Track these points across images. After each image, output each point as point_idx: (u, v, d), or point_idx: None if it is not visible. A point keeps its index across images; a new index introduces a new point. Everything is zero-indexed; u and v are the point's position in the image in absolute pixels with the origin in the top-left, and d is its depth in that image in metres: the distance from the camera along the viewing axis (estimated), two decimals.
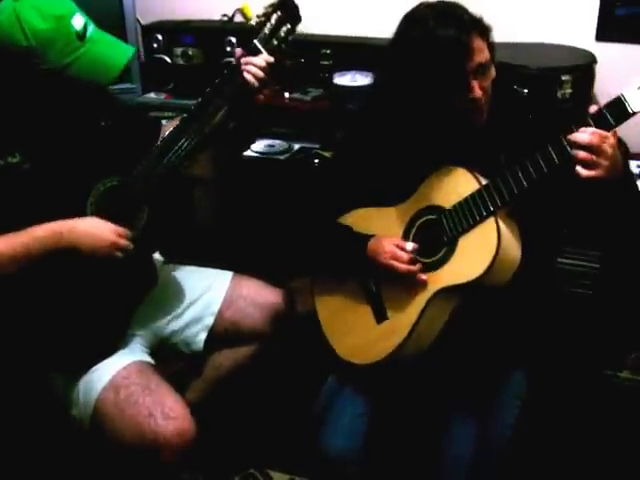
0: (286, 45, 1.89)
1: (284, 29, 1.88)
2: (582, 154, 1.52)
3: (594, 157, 1.51)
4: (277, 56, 1.87)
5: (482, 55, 1.64)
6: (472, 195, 1.68)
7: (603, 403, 2.35)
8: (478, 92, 1.65)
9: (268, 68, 1.85)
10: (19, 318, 1.78)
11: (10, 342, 1.80)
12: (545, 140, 1.59)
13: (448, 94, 1.65)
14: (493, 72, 1.70)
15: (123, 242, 1.77)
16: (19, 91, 1.75)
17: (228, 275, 2.17)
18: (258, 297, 2.13)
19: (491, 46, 1.69)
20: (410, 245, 1.77)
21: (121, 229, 1.77)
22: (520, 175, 1.61)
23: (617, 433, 2.31)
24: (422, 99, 1.68)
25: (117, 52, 1.80)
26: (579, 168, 1.52)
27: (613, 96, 1.55)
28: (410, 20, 1.72)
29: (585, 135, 1.52)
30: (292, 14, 1.88)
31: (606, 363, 2.42)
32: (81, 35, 1.73)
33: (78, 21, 1.73)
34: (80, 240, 1.72)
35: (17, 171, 1.73)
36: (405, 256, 1.75)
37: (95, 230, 1.74)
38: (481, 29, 1.66)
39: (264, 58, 1.84)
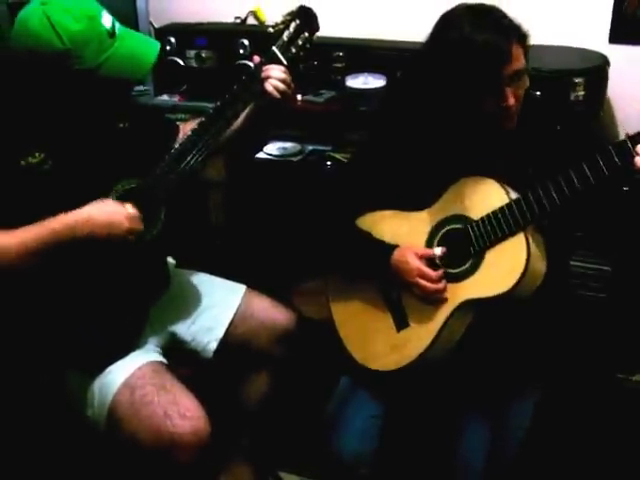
0: (304, 53, 1.89)
1: (302, 37, 1.88)
2: None
3: None
4: (294, 64, 1.88)
5: (519, 62, 1.61)
6: (502, 208, 1.65)
7: (615, 406, 2.35)
8: (511, 100, 1.62)
9: (289, 79, 1.86)
10: (37, 315, 1.79)
11: (26, 339, 1.81)
12: (576, 156, 1.57)
13: (481, 100, 1.62)
14: (527, 81, 1.67)
15: (136, 225, 1.76)
16: (44, 93, 1.76)
17: (241, 289, 2.18)
18: (269, 318, 2.13)
19: (527, 54, 1.65)
20: (439, 250, 1.76)
21: (133, 212, 1.76)
22: (553, 192, 1.59)
23: (629, 436, 2.31)
24: (454, 103, 1.65)
25: (146, 47, 1.81)
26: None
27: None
28: (447, 21, 1.68)
29: None
30: (310, 23, 1.89)
31: (618, 366, 2.41)
32: (111, 33, 1.73)
33: (107, 19, 1.74)
34: (95, 230, 1.71)
35: (37, 171, 1.74)
36: (433, 275, 1.73)
37: (109, 219, 1.72)
38: (520, 35, 1.63)
39: (284, 71, 1.85)
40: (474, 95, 1.62)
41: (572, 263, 2.33)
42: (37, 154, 1.74)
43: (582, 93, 2.40)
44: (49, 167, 1.75)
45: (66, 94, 1.75)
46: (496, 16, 1.63)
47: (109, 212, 1.74)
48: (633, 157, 1.49)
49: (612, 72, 2.49)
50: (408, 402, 1.93)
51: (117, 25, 1.77)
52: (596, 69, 2.46)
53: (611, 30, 2.65)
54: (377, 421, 1.88)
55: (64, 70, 1.69)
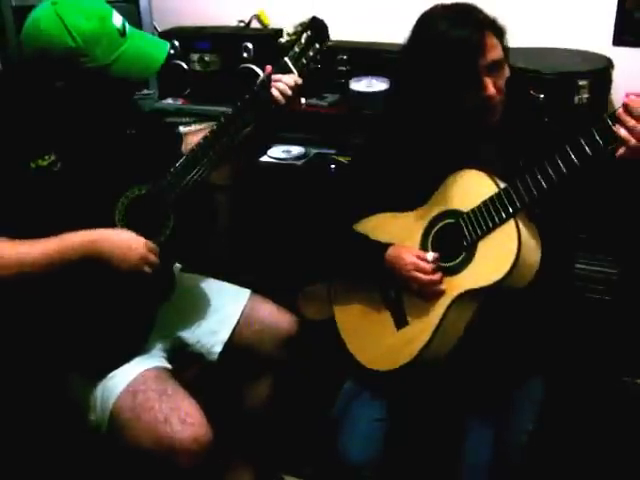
0: (315, 64, 1.91)
1: (313, 49, 1.90)
2: (629, 120, 1.48)
3: (636, 124, 1.48)
4: (305, 75, 1.90)
5: (495, 52, 1.65)
6: (491, 198, 1.67)
7: (620, 409, 2.34)
8: (492, 89, 1.64)
9: (297, 88, 1.88)
10: (43, 320, 1.79)
11: (32, 343, 1.82)
12: (563, 143, 1.58)
13: (462, 93, 1.65)
14: (507, 71, 1.70)
15: (153, 258, 1.78)
16: (55, 93, 1.77)
17: (245, 293, 2.19)
18: (274, 323, 2.15)
19: (505, 45, 1.69)
20: (431, 255, 1.77)
21: (152, 245, 1.79)
22: (539, 176, 1.60)
23: (635, 440, 2.30)
24: (437, 99, 1.68)
25: (155, 46, 1.84)
26: (619, 128, 1.49)
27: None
28: (424, 22, 1.73)
29: (632, 102, 1.49)
30: (321, 34, 1.91)
31: (624, 369, 2.40)
32: (122, 32, 1.76)
33: (117, 19, 1.77)
34: (113, 251, 1.74)
35: (47, 173, 1.75)
36: (428, 267, 1.74)
37: (128, 242, 1.76)
38: (494, 27, 1.67)
39: (294, 79, 1.87)
40: (455, 88, 1.64)
41: (578, 266, 2.33)
42: (47, 156, 1.76)
43: (586, 96, 2.40)
44: (58, 169, 1.77)
45: (77, 94, 1.77)
46: (470, 12, 1.68)
47: (129, 237, 1.77)
48: (614, 135, 1.50)
49: (616, 74, 2.49)
50: (412, 404, 1.93)
51: (127, 25, 1.80)
52: (600, 71, 2.45)
53: (615, 32, 2.65)
54: (382, 424, 1.88)
55: (76, 69, 1.71)
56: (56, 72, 1.72)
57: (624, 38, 2.64)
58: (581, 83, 2.39)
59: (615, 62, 2.50)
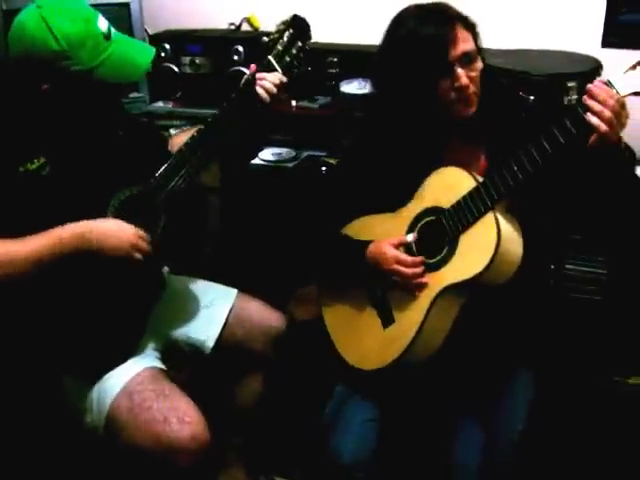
0: (298, 62, 1.93)
1: (296, 46, 1.91)
2: (595, 105, 1.52)
3: (603, 108, 1.52)
4: (289, 72, 1.91)
5: (467, 44, 1.67)
6: (470, 192, 1.69)
7: (611, 409, 2.35)
8: (465, 80, 1.66)
9: (282, 86, 1.89)
10: (36, 323, 1.79)
11: (26, 346, 1.81)
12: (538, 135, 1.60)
13: (436, 86, 1.67)
14: (480, 64, 1.71)
15: (143, 244, 1.78)
16: (41, 97, 1.76)
17: (233, 292, 2.20)
18: (263, 319, 2.16)
19: (477, 39, 1.71)
20: (411, 236, 1.79)
21: (141, 232, 1.79)
22: (515, 167, 1.62)
23: (626, 439, 2.31)
24: (412, 95, 1.70)
25: (141, 51, 1.84)
26: (590, 116, 1.52)
27: None
28: (396, 21, 1.76)
29: (594, 88, 1.54)
30: (303, 32, 1.93)
31: (614, 369, 2.41)
32: (107, 35, 1.76)
33: (103, 23, 1.77)
34: (103, 242, 1.73)
35: (36, 177, 1.75)
36: (409, 259, 1.76)
37: (117, 232, 1.75)
38: (464, 21, 1.69)
39: (279, 77, 1.89)
40: (429, 82, 1.67)
41: (567, 266, 2.34)
42: (35, 160, 1.75)
43: (575, 97, 2.41)
44: (47, 173, 1.76)
45: (63, 97, 1.77)
46: (440, 10, 1.71)
47: (117, 226, 1.77)
48: (585, 121, 1.53)
49: (605, 76, 2.49)
50: (403, 404, 1.93)
51: (112, 30, 1.80)
52: (589, 73, 2.46)
53: (604, 34, 2.66)
54: (374, 425, 1.88)
55: (60, 72, 1.71)
56: (41, 75, 1.73)
57: (613, 40, 2.66)
58: (570, 85, 2.40)
59: (604, 64, 2.51)
